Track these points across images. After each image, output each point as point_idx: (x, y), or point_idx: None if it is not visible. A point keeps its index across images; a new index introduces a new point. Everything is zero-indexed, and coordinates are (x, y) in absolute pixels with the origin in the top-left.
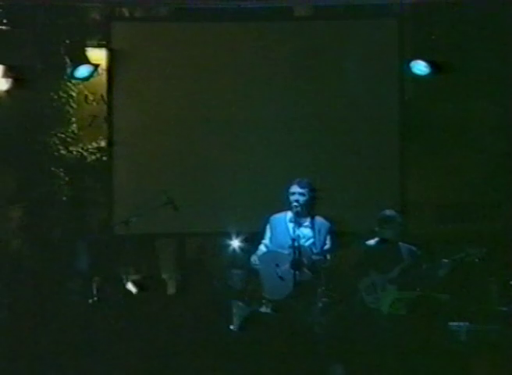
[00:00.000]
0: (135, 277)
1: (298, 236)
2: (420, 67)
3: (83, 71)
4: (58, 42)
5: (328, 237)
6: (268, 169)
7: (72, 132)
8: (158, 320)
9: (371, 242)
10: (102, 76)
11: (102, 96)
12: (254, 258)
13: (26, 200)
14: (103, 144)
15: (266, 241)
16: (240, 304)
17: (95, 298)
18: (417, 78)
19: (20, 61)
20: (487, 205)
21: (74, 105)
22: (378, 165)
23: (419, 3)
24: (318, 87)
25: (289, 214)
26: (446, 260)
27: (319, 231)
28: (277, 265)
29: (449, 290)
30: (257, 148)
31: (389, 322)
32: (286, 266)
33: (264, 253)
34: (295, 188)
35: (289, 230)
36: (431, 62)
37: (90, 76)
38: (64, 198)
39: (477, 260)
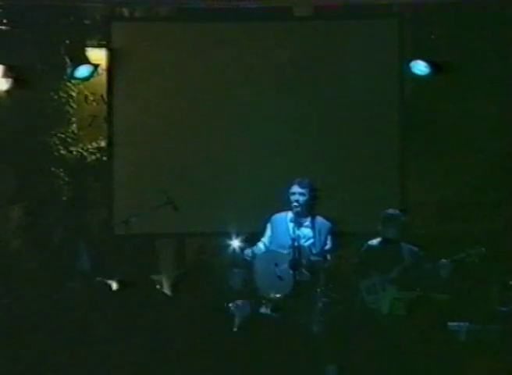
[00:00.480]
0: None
1: (298, 236)
2: (420, 67)
3: (83, 71)
4: (58, 42)
5: (328, 238)
6: (269, 169)
7: (72, 132)
8: (157, 320)
9: (374, 242)
10: (102, 76)
11: (102, 96)
12: (247, 252)
13: (26, 200)
14: (103, 144)
15: (265, 239)
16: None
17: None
18: (417, 78)
19: (20, 61)
20: (487, 205)
21: (74, 105)
22: (379, 165)
23: (419, 3)
24: (318, 87)
25: (290, 214)
26: (445, 260)
27: (319, 231)
28: (276, 264)
29: (449, 290)
30: (257, 147)
31: (389, 322)
32: (284, 266)
33: (264, 252)
34: (295, 188)
35: (289, 230)
36: (431, 62)
37: (90, 76)
38: (64, 198)
39: (477, 260)
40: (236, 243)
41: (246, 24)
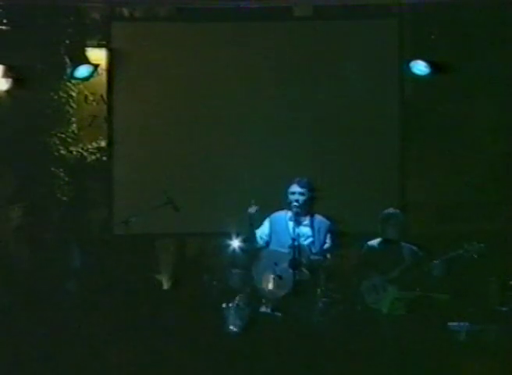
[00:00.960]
0: None
1: (298, 235)
2: (420, 67)
3: (83, 71)
4: (58, 42)
5: (328, 236)
6: (269, 169)
7: (72, 132)
8: (157, 320)
9: (373, 243)
10: (102, 76)
11: (102, 96)
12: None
13: (26, 200)
14: (103, 144)
15: (261, 233)
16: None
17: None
18: (417, 78)
19: (20, 61)
20: (487, 204)
21: (74, 105)
22: (378, 165)
23: (419, 3)
24: (318, 87)
25: (289, 213)
26: (436, 261)
27: (319, 230)
28: (275, 263)
29: (449, 290)
30: (257, 147)
31: (389, 322)
32: (284, 265)
33: (263, 251)
34: (295, 188)
35: (289, 229)
36: (431, 62)
37: (90, 76)
38: (64, 198)
39: (475, 256)
40: (236, 243)
41: (246, 24)
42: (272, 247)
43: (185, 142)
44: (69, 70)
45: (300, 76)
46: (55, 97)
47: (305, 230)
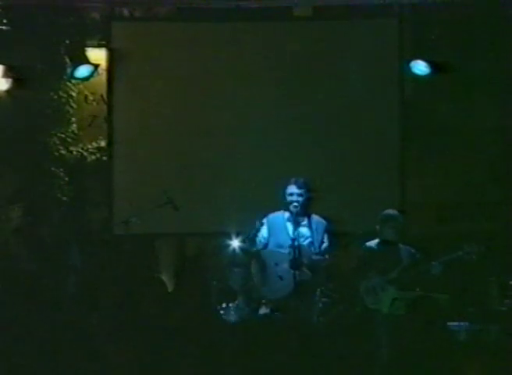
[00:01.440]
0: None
1: (298, 235)
2: (420, 67)
3: (83, 71)
4: (58, 42)
5: (325, 236)
6: (268, 169)
7: (72, 132)
8: (157, 319)
9: (372, 244)
10: (102, 76)
11: (102, 96)
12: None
13: (26, 200)
14: (103, 144)
15: (259, 235)
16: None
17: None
18: (417, 78)
19: (20, 61)
20: (487, 205)
21: (74, 105)
22: (378, 165)
23: (419, 3)
24: (318, 87)
25: (287, 214)
26: (434, 263)
27: (316, 230)
28: (276, 264)
29: (449, 290)
30: (257, 147)
31: (389, 322)
32: (284, 266)
33: (262, 252)
34: (293, 189)
35: (287, 230)
36: (431, 62)
37: (90, 76)
38: (64, 198)
39: (474, 257)
40: (235, 243)
41: (246, 24)
42: (270, 248)
43: (185, 142)
44: (69, 70)
45: (300, 76)
46: (55, 97)
47: (303, 230)
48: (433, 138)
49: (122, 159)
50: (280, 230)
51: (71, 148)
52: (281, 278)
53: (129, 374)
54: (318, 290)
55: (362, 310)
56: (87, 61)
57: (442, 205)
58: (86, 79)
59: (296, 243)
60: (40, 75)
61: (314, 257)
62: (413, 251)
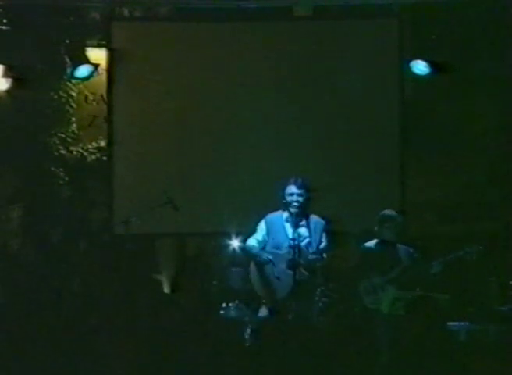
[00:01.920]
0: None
1: (298, 235)
2: (420, 67)
3: (83, 71)
4: (58, 42)
5: (323, 235)
6: (268, 169)
7: (72, 132)
8: (157, 319)
9: (371, 244)
10: (102, 76)
11: (102, 96)
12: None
13: (26, 200)
14: (103, 144)
15: (259, 237)
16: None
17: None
18: (417, 78)
19: (20, 61)
20: (487, 205)
21: (74, 105)
22: (378, 164)
23: (419, 3)
24: (318, 86)
25: (285, 214)
26: (435, 262)
27: (315, 230)
28: (274, 265)
29: (449, 290)
30: (257, 147)
31: (388, 322)
32: (282, 267)
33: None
34: (293, 189)
35: (286, 230)
36: (431, 62)
37: (90, 76)
38: (64, 198)
39: (474, 257)
40: (236, 243)
41: (246, 24)
42: (268, 248)
43: (185, 142)
44: (69, 70)
45: (299, 76)
46: (55, 97)
47: (302, 230)
48: (433, 138)
49: (122, 159)
50: (279, 230)
51: (71, 148)
52: (278, 279)
53: (128, 374)
54: (318, 290)
55: (362, 310)
56: (87, 61)
57: (442, 205)
58: (86, 79)
59: (295, 243)
60: (40, 75)
61: (311, 257)
62: (411, 250)
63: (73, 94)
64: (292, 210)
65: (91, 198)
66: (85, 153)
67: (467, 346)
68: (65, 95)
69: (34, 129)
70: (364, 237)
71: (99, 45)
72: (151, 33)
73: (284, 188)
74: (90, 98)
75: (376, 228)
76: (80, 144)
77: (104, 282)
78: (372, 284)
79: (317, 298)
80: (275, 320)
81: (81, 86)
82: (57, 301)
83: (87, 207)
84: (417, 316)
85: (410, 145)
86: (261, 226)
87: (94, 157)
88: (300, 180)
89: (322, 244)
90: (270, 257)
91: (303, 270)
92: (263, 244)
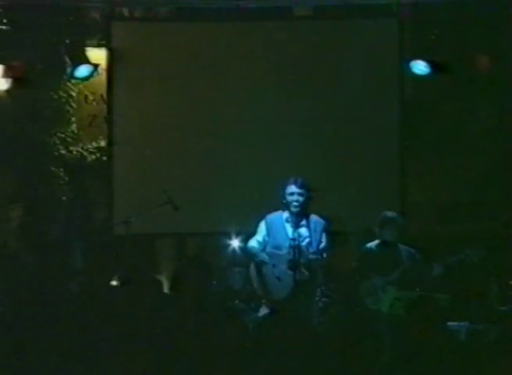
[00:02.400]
0: None
1: (298, 235)
2: (420, 67)
3: (83, 71)
4: (58, 42)
5: (323, 235)
6: (268, 169)
7: (72, 132)
8: (157, 319)
9: (372, 245)
10: (102, 76)
11: (102, 96)
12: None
13: (26, 200)
14: (103, 144)
15: (259, 238)
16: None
17: None
18: (417, 78)
19: (20, 61)
20: (487, 205)
21: (74, 105)
22: (378, 165)
23: (419, 3)
24: (318, 86)
25: (285, 214)
26: (436, 265)
27: (315, 230)
28: (273, 265)
29: (449, 290)
30: (257, 147)
31: (388, 322)
32: (282, 267)
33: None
34: (293, 188)
35: (286, 230)
36: (431, 62)
37: (90, 76)
38: (64, 198)
39: (475, 260)
40: (236, 243)
41: (246, 24)
42: (268, 249)
43: (185, 142)
44: (69, 70)
45: (300, 76)
46: (55, 97)
47: (302, 230)
48: (433, 138)
49: (122, 159)
50: (279, 230)
51: (71, 148)
52: (278, 279)
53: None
54: (318, 290)
55: (362, 310)
56: (87, 61)
57: (442, 205)
58: (86, 79)
59: (295, 243)
60: (40, 75)
61: (311, 257)
62: (413, 251)
63: (73, 94)
64: (292, 210)
65: (91, 198)
66: (85, 153)
67: (467, 346)
68: (65, 95)
69: (34, 129)
70: (365, 237)
71: (99, 45)
72: (151, 33)
73: (284, 188)
74: (90, 98)
75: (377, 230)
76: (80, 144)
77: (104, 282)
78: (373, 285)
79: (317, 298)
80: (275, 320)
81: (81, 86)
82: (57, 301)
83: (87, 207)
84: (417, 316)
85: (410, 145)
86: (261, 227)
87: (94, 157)
88: (300, 179)
89: (322, 244)
90: (267, 258)
91: (303, 270)
92: (263, 245)
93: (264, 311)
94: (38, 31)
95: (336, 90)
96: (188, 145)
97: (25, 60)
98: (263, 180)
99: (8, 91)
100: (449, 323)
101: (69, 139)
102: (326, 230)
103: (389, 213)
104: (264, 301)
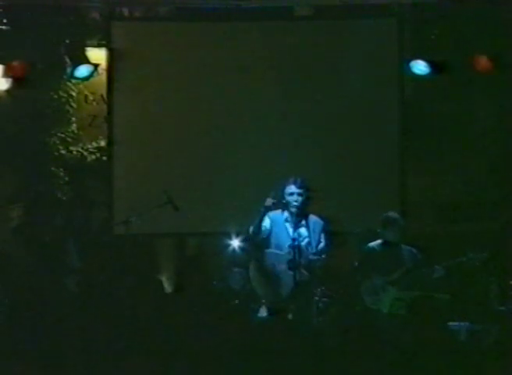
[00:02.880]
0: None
1: (298, 235)
2: (420, 67)
3: (83, 71)
4: (58, 42)
5: (322, 236)
6: (268, 169)
7: (72, 132)
8: (157, 319)
9: (374, 244)
10: (102, 76)
11: (102, 96)
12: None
13: (26, 200)
14: (103, 144)
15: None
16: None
17: None
18: (417, 78)
19: (20, 61)
20: (487, 205)
21: (74, 105)
22: (378, 165)
23: (419, 3)
24: (318, 86)
25: (285, 214)
26: (437, 267)
27: (314, 230)
28: (274, 265)
29: (450, 290)
30: (257, 147)
31: (388, 322)
32: (283, 267)
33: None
34: (293, 188)
35: (287, 230)
36: (431, 62)
37: (90, 76)
38: (64, 198)
39: (477, 263)
40: (236, 243)
41: (246, 24)
42: (270, 247)
43: (185, 142)
44: (69, 70)
45: (300, 76)
46: (55, 97)
47: (302, 230)
48: (433, 138)
49: (122, 159)
50: (280, 229)
51: (71, 148)
52: (278, 279)
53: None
54: (318, 290)
55: (362, 310)
56: (87, 61)
57: (442, 205)
58: (86, 79)
59: (296, 243)
60: (41, 75)
61: (312, 257)
62: (414, 251)
63: (73, 94)
64: (292, 210)
65: (91, 198)
66: (85, 153)
67: (467, 346)
68: (65, 95)
69: (34, 129)
70: (366, 237)
71: (99, 45)
72: (151, 33)
73: (284, 188)
74: (90, 98)
75: (379, 230)
76: (80, 144)
77: (104, 282)
78: (374, 285)
79: (317, 298)
80: (275, 320)
81: (81, 86)
82: (57, 301)
83: (87, 207)
84: (417, 316)
85: (410, 145)
86: (266, 221)
87: (94, 157)
88: (299, 179)
89: (321, 245)
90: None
91: (303, 270)
92: (267, 233)
93: (264, 311)
94: (38, 31)
95: (335, 90)
96: (188, 145)
97: (25, 60)
98: (263, 180)
99: (8, 91)
100: (450, 323)
101: (69, 139)
102: (325, 230)
103: (392, 214)
104: (264, 301)
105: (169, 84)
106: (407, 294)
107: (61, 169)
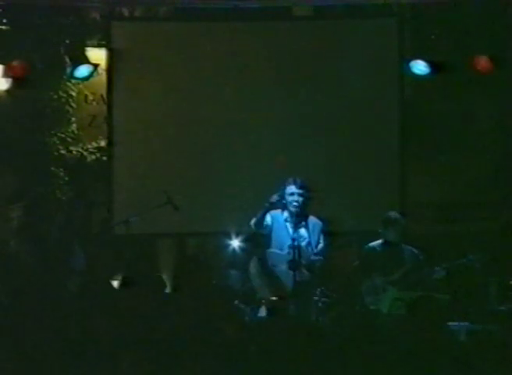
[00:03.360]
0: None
1: (298, 235)
2: (420, 67)
3: (83, 71)
4: (58, 42)
5: (321, 236)
6: (268, 169)
7: (72, 132)
8: (157, 320)
9: (375, 244)
10: (102, 76)
11: (102, 96)
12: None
13: (26, 200)
14: (103, 144)
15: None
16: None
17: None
18: (417, 78)
19: (20, 61)
20: (487, 205)
21: (74, 105)
22: (378, 165)
23: (419, 3)
24: (318, 87)
25: (285, 214)
26: (438, 268)
27: (313, 231)
28: (274, 265)
29: (450, 290)
30: (257, 147)
31: (389, 322)
32: (283, 267)
33: (260, 253)
34: (293, 189)
35: (287, 230)
36: (431, 62)
37: (90, 76)
38: (64, 198)
39: (478, 265)
40: (236, 243)
41: (246, 24)
42: (271, 247)
43: (185, 142)
44: (69, 70)
45: (299, 76)
46: (55, 97)
47: (302, 231)
48: (433, 138)
49: (122, 159)
50: (281, 229)
51: (71, 148)
52: (278, 279)
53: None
54: (318, 290)
55: (362, 310)
56: (86, 61)
57: (442, 205)
58: (86, 79)
59: (296, 243)
60: (40, 75)
61: (312, 257)
62: (416, 251)
63: (73, 94)
64: (292, 210)
65: (91, 198)
66: (85, 153)
67: (467, 346)
68: (65, 95)
69: (34, 129)
70: (365, 237)
71: (99, 45)
72: (151, 33)
73: (284, 188)
74: (90, 98)
75: (380, 230)
76: (80, 144)
77: (104, 282)
78: (374, 285)
79: (317, 298)
80: (275, 320)
81: (81, 86)
82: (56, 301)
83: (87, 207)
84: (417, 316)
85: (410, 145)
86: (267, 217)
87: (94, 157)
88: (299, 179)
89: (320, 246)
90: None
91: (304, 271)
92: (268, 230)
93: (263, 311)
94: (38, 31)
95: (335, 90)
96: (188, 145)
97: (25, 60)
98: (263, 180)
99: (8, 91)
100: (450, 323)
101: (69, 139)
102: (324, 231)
103: (393, 214)
104: (263, 301)
105: (169, 84)
106: (407, 295)
107: (61, 169)
